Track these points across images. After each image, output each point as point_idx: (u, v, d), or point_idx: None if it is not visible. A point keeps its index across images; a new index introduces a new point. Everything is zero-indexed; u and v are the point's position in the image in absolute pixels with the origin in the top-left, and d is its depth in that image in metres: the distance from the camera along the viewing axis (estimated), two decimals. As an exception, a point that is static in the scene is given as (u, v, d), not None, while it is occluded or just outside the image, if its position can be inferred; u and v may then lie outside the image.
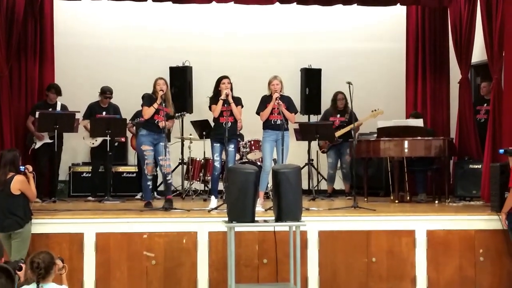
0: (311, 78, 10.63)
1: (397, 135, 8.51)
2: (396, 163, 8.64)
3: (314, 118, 10.40)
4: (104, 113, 9.12)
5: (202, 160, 9.42)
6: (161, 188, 8.91)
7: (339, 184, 9.58)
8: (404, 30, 10.08)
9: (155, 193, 9.29)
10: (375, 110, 9.18)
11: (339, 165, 9.48)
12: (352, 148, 8.52)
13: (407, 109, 9.93)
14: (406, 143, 8.42)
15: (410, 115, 9.32)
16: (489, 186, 7.47)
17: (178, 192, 9.58)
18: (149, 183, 7.84)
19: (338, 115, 9.43)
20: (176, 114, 9.08)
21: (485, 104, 8.93)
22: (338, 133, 9.18)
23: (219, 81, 7.81)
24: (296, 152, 9.29)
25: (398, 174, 8.62)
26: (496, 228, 6.88)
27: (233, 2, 8.85)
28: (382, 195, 9.54)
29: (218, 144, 7.82)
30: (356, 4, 9.12)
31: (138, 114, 8.96)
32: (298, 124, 8.99)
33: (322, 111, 9.96)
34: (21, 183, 6.19)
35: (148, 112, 7.70)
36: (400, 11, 9.98)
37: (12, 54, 8.40)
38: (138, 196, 9.34)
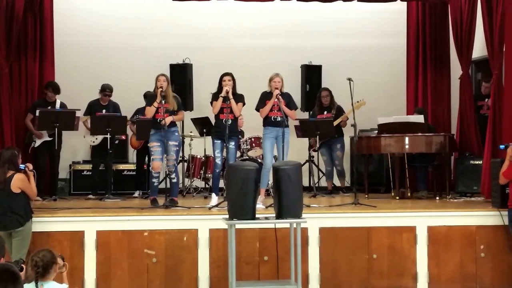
0: (311, 74, 10.62)
1: (398, 131, 8.49)
2: (397, 160, 8.63)
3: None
4: (104, 111, 9.11)
5: (203, 158, 9.41)
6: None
7: (335, 181, 9.56)
8: (405, 26, 10.06)
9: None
10: (357, 102, 8.64)
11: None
12: (353, 144, 8.48)
13: (408, 105, 9.91)
14: (406, 139, 8.41)
15: (415, 111, 9.26)
16: (489, 182, 7.47)
17: (178, 189, 9.57)
18: (154, 180, 7.76)
19: (325, 112, 9.33)
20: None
21: (486, 99, 8.90)
22: None
23: (221, 78, 7.81)
24: (297, 149, 9.29)
25: (399, 171, 8.62)
26: (497, 224, 6.87)
27: (233, -1, 8.86)
28: (383, 192, 9.55)
29: (219, 141, 7.80)
30: (356, 0, 9.11)
31: (138, 111, 8.97)
32: (299, 121, 8.96)
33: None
34: (21, 182, 6.18)
35: (150, 111, 7.70)
36: (400, 6, 9.94)
37: (12, 51, 8.38)
38: (136, 194, 9.32)
